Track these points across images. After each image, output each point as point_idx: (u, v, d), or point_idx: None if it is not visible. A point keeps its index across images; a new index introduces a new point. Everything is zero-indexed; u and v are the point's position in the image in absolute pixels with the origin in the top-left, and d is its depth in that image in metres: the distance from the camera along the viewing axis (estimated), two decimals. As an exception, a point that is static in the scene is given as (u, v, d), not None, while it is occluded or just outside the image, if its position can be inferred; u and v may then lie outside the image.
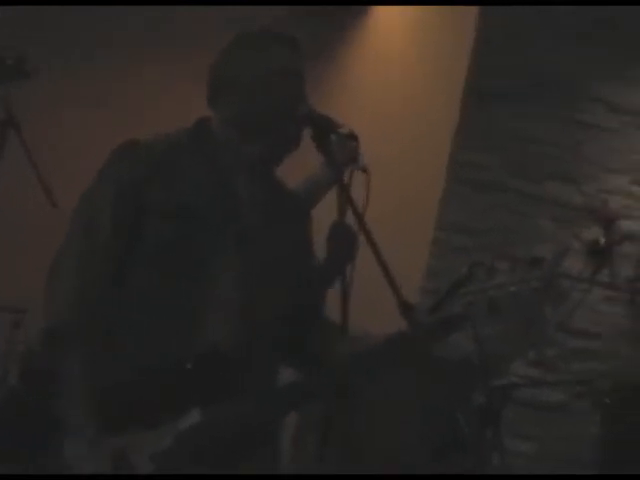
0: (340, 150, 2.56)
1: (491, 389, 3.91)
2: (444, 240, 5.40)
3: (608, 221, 4.80)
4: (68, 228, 2.44)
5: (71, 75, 6.25)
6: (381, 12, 6.07)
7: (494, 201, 5.45)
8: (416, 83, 5.86)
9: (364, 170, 2.50)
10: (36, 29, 5.38)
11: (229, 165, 2.47)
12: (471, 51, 5.52)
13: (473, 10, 5.59)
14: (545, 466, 5.22)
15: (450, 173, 5.46)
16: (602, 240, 4.70)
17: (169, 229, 2.36)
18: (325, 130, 2.37)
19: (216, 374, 2.34)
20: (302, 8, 6.06)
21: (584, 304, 4.91)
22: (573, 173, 5.49)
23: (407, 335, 2.25)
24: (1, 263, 5.56)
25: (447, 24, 5.73)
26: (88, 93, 6.38)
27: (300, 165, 2.82)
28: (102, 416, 2.30)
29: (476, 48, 5.51)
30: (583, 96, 5.55)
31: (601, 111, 5.55)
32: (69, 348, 2.33)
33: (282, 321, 2.49)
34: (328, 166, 2.95)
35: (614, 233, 4.82)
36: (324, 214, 2.69)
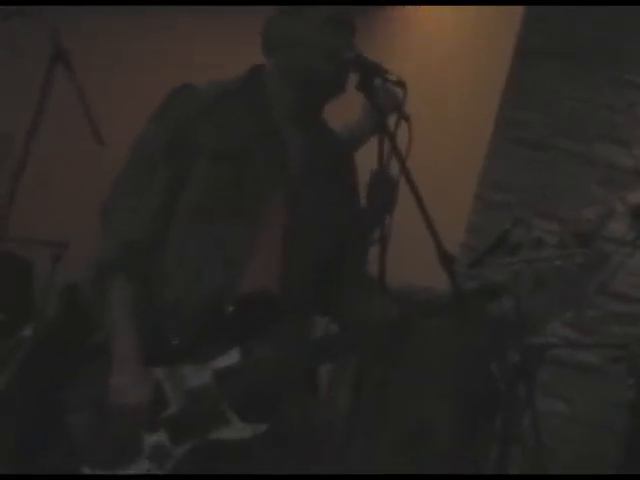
0: (386, 97, 2.55)
1: (527, 347, 3.89)
2: (486, 196, 5.37)
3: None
4: (123, 165, 2.48)
5: (128, 18, 6.26)
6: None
7: (539, 159, 5.41)
8: (465, 40, 5.81)
9: (407, 119, 2.49)
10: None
11: (278, 113, 2.49)
12: (522, 10, 5.44)
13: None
14: (576, 428, 5.22)
15: (497, 130, 5.41)
16: (647, 204, 4.65)
17: (218, 172, 2.40)
18: (372, 75, 2.36)
19: (257, 317, 2.37)
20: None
21: (626, 268, 4.87)
22: (623, 135, 5.41)
23: (450, 299, 2.24)
24: (45, 197, 5.62)
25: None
26: (142, 33, 6.40)
27: (345, 108, 2.80)
28: (143, 348, 2.36)
29: (528, 8, 5.44)
30: (636, 57, 5.46)
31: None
32: (119, 282, 2.40)
33: (324, 270, 2.51)
34: (372, 111, 2.94)
35: (661, 197, 4.77)
36: (365, 161, 2.68)
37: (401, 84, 2.41)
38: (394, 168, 2.34)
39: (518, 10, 5.45)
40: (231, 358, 2.34)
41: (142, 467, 2.32)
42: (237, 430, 2.32)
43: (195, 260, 2.40)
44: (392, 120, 2.50)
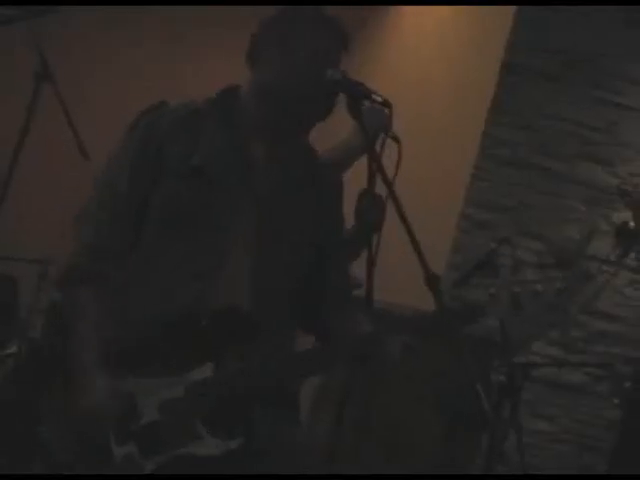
0: (372, 117, 2.55)
1: (511, 366, 3.90)
2: (472, 215, 5.38)
3: (638, 204, 4.76)
4: (96, 178, 2.56)
5: (109, 33, 6.27)
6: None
7: (524, 179, 5.42)
8: (452, 58, 5.83)
9: (395, 139, 2.49)
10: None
11: (251, 131, 2.51)
12: (509, 28, 5.47)
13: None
14: (561, 446, 5.22)
15: (482, 149, 5.43)
16: (631, 224, 4.66)
17: (185, 189, 2.43)
18: (358, 96, 2.36)
19: (231, 332, 2.38)
20: (332, 8, 6.03)
21: (610, 287, 4.89)
22: (605, 154, 5.44)
23: (432, 319, 2.25)
24: (30, 214, 5.61)
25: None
26: (125, 50, 6.41)
27: (332, 131, 2.81)
28: (114, 361, 2.37)
29: (514, 25, 5.46)
30: (618, 77, 5.49)
31: (636, 93, 5.50)
32: (83, 287, 2.45)
33: (300, 287, 2.52)
34: (360, 132, 2.95)
35: (644, 217, 4.78)
36: (353, 181, 2.69)
37: (387, 105, 2.41)
38: (382, 188, 2.34)
39: (503, 29, 5.47)
40: (204, 372, 2.34)
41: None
42: (208, 445, 2.31)
43: (166, 273, 2.43)
44: (385, 141, 2.50)
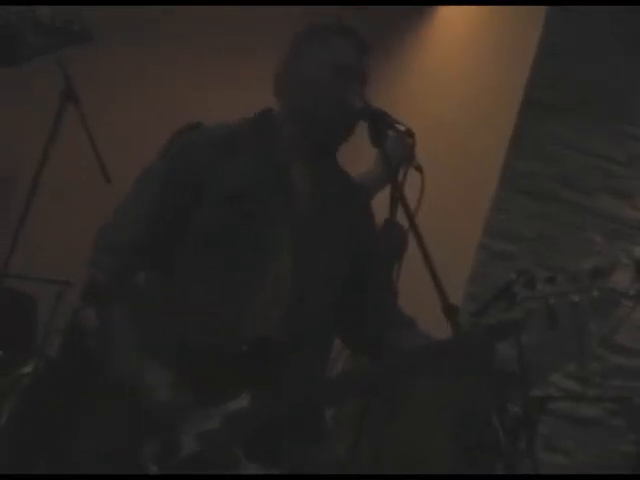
0: (396, 147, 2.55)
1: (528, 399, 3.88)
2: (491, 246, 5.37)
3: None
4: (127, 194, 2.52)
5: (135, 52, 6.29)
6: (445, 13, 6.05)
7: (544, 211, 5.41)
8: (474, 88, 5.83)
9: (419, 169, 2.49)
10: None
11: (287, 155, 2.50)
12: (532, 61, 5.47)
13: (536, 18, 5.54)
14: (575, 481, 5.18)
15: (502, 180, 5.43)
16: (651, 258, 4.65)
17: (223, 214, 2.40)
18: (381, 125, 2.37)
19: (269, 360, 2.35)
20: (365, 8, 6.06)
21: (628, 321, 4.86)
22: (627, 188, 5.43)
23: (457, 342, 2.22)
24: (50, 234, 5.62)
25: (510, 31, 5.69)
26: (150, 72, 6.43)
27: (357, 160, 2.82)
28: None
29: (537, 58, 5.47)
30: (638, 110, 5.48)
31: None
32: (114, 306, 2.41)
33: (342, 310, 2.50)
34: (383, 162, 2.95)
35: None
36: (378, 210, 2.68)
37: (410, 134, 2.41)
38: (403, 216, 2.34)
39: (525, 61, 5.47)
40: (241, 401, 2.32)
41: None
42: (248, 470, 2.29)
43: (202, 299, 2.40)
44: (402, 169, 2.49)
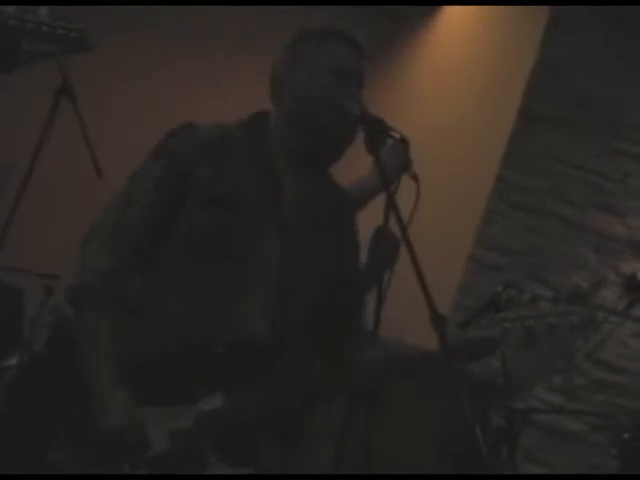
0: (391, 155, 2.55)
1: (511, 411, 3.89)
2: (480, 258, 5.38)
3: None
4: (111, 197, 2.50)
5: (131, 51, 6.30)
6: (444, 24, 6.08)
7: (534, 224, 5.43)
8: (469, 100, 5.85)
9: (414, 178, 2.49)
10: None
11: (278, 160, 2.48)
12: (528, 74, 5.49)
13: (535, 29, 5.56)
14: (556, 495, 5.19)
15: (494, 192, 5.44)
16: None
17: (210, 215, 2.39)
18: (377, 132, 2.36)
19: (245, 362, 2.35)
20: (367, 8, 6.07)
21: (614, 337, 4.88)
22: (618, 204, 5.44)
23: (439, 354, 2.23)
24: (40, 229, 5.61)
25: (508, 43, 5.71)
26: (147, 70, 6.43)
27: (353, 167, 2.81)
28: (127, 387, 2.34)
29: (533, 72, 5.49)
30: (636, 128, 5.50)
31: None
32: (95, 311, 2.39)
33: (317, 318, 2.50)
34: (377, 170, 2.95)
35: (653, 270, 4.78)
36: (371, 217, 2.69)
37: (405, 142, 2.41)
38: (394, 224, 2.34)
39: (522, 75, 5.49)
40: (214, 402, 2.32)
41: None
42: (216, 472, 2.29)
43: (183, 300, 2.39)
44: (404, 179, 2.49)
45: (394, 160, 2.55)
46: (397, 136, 2.39)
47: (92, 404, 2.33)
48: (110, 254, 2.42)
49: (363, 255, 2.60)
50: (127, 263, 2.42)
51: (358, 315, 2.61)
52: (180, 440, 2.30)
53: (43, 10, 3.72)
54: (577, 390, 5.20)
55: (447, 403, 3.77)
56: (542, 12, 5.53)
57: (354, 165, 2.67)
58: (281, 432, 2.41)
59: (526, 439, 4.30)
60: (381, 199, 2.38)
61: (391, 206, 2.28)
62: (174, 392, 2.33)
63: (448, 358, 2.17)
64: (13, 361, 4.39)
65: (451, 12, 6.16)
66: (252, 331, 2.38)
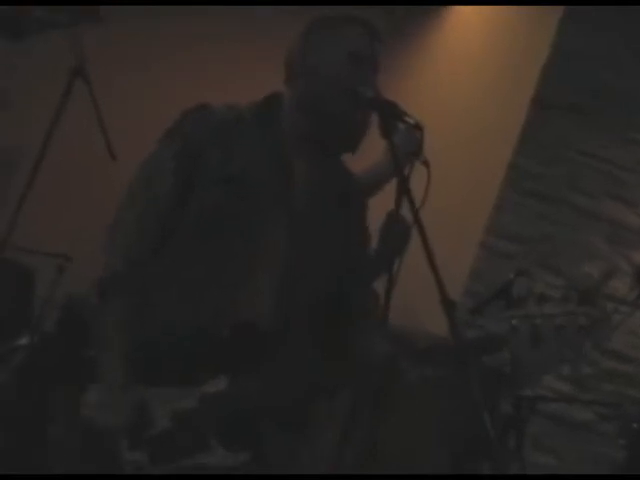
0: (404, 140, 2.54)
1: (519, 399, 3.89)
2: (492, 244, 5.37)
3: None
4: (131, 182, 2.49)
5: (146, 32, 6.29)
6: (458, 12, 6.06)
7: (547, 212, 5.42)
8: (483, 87, 5.83)
9: (426, 164, 2.48)
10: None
11: (290, 144, 2.48)
12: (544, 62, 5.47)
13: (550, 20, 5.54)
14: (563, 483, 5.20)
15: (507, 180, 5.43)
16: (652, 265, 4.66)
17: (219, 196, 2.38)
18: (390, 116, 2.35)
19: (250, 346, 2.36)
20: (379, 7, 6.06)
21: (624, 327, 4.87)
22: (631, 194, 5.43)
23: (447, 347, 2.23)
24: (53, 209, 5.62)
25: (523, 31, 5.69)
26: (161, 52, 6.42)
27: (367, 152, 2.81)
28: (131, 367, 2.35)
29: (549, 60, 5.47)
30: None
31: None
32: (117, 298, 2.39)
33: (323, 304, 2.49)
34: (391, 154, 2.94)
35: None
36: (382, 202, 2.68)
37: (419, 127, 2.39)
38: (407, 211, 2.33)
39: (537, 62, 5.47)
40: (219, 384, 2.33)
41: None
42: (218, 457, 2.31)
43: (190, 281, 2.39)
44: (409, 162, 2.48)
45: (405, 145, 2.54)
46: (411, 121, 2.37)
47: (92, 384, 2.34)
48: (137, 241, 2.42)
49: (374, 241, 2.59)
50: (152, 249, 2.42)
51: (365, 303, 2.61)
52: (182, 420, 2.31)
53: None
54: (586, 379, 5.20)
55: (456, 390, 3.77)
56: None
57: (367, 150, 2.66)
58: (285, 420, 2.41)
59: (534, 427, 4.30)
60: (394, 185, 2.37)
61: (403, 191, 2.27)
62: (179, 373, 2.33)
63: (459, 347, 2.17)
64: (24, 341, 4.40)
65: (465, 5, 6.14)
66: (258, 312, 2.38)
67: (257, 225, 2.40)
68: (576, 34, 5.48)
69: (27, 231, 4.24)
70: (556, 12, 5.52)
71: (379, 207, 2.70)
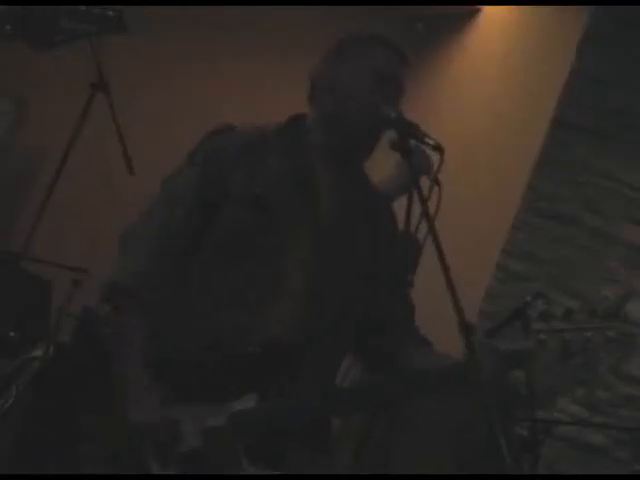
0: (421, 159, 2.55)
1: (534, 421, 3.87)
2: (509, 266, 5.36)
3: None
4: (152, 197, 2.51)
5: (165, 49, 6.33)
6: (478, 32, 6.08)
7: (564, 234, 5.40)
8: (502, 108, 5.83)
9: (437, 182, 2.49)
10: None
11: (314, 162, 2.49)
12: (562, 83, 5.47)
13: (571, 40, 5.54)
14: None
15: (525, 201, 5.42)
16: (669, 290, 4.64)
17: (246, 216, 2.39)
18: (411, 137, 2.36)
19: (279, 364, 2.35)
20: (407, 9, 6.08)
21: (640, 351, 4.84)
22: (647, 217, 5.41)
23: (472, 365, 2.20)
24: (70, 222, 5.65)
25: (543, 54, 5.70)
26: (183, 70, 6.46)
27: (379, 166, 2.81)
28: (161, 385, 2.35)
29: (567, 81, 5.46)
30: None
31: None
32: (132, 311, 2.41)
33: (352, 319, 2.49)
34: (405, 171, 2.95)
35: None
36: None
37: (439, 149, 2.41)
38: (422, 231, 2.33)
39: (556, 85, 5.47)
40: (248, 402, 2.32)
41: None
42: (247, 473, 2.29)
43: (218, 299, 2.40)
44: (424, 183, 2.49)
45: (422, 164, 2.55)
46: (432, 142, 2.39)
47: (122, 400, 2.34)
48: (148, 256, 2.43)
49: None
50: (164, 266, 2.43)
51: (400, 313, 2.58)
52: (212, 438, 2.30)
53: None
54: (601, 403, 5.17)
55: (471, 412, 3.76)
56: (578, 21, 5.51)
57: (374, 161, 2.66)
58: (309, 436, 2.39)
59: (548, 450, 4.28)
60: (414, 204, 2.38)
61: (411, 210, 2.28)
62: (208, 391, 2.32)
63: (474, 369, 2.15)
64: (39, 352, 4.41)
65: (485, 19, 6.16)
66: (283, 333, 2.37)
67: (282, 244, 2.41)
68: (596, 56, 5.48)
69: (44, 243, 4.25)
70: (576, 31, 5.53)
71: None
